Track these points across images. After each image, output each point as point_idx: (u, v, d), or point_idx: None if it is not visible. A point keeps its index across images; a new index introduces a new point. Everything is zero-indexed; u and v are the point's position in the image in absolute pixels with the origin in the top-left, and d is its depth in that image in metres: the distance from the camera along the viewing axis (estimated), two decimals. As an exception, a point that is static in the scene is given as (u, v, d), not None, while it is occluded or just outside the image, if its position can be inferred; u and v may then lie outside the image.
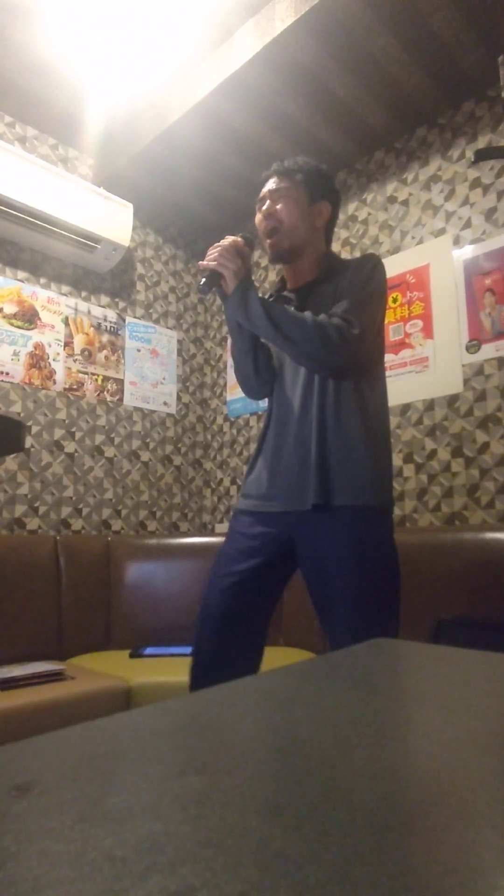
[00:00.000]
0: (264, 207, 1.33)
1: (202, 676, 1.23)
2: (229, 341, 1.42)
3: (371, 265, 1.27)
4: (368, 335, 1.21)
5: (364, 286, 1.24)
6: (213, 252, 1.24)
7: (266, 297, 1.34)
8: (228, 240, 1.26)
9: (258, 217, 1.35)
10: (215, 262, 1.22)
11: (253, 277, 2.98)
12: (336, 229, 2.64)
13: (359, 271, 1.27)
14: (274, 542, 1.25)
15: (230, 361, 2.94)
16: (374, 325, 1.24)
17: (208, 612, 1.26)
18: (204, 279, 1.24)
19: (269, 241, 1.32)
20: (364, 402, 1.23)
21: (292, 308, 1.25)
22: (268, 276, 2.93)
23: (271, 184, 1.34)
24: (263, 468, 1.31)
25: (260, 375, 1.37)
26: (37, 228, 2.41)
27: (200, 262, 1.25)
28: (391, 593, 1.17)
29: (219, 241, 1.27)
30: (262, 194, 1.35)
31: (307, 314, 1.19)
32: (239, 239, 1.27)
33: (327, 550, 1.18)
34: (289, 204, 1.31)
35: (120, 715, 0.38)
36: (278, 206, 1.31)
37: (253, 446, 1.39)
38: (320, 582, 1.20)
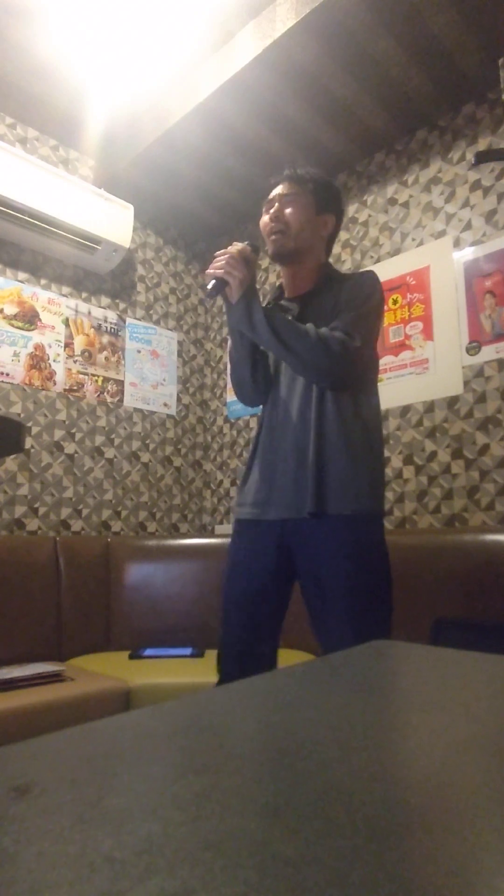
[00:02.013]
0: (272, 210, 1.34)
1: None
2: (229, 343, 1.42)
3: (371, 282, 1.31)
4: (368, 349, 1.26)
5: (365, 302, 1.27)
6: (220, 259, 1.24)
7: (265, 303, 1.34)
8: (236, 247, 1.27)
9: (264, 218, 1.36)
10: (222, 270, 1.23)
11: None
12: (336, 231, 2.66)
13: (359, 287, 1.30)
14: (276, 552, 1.27)
15: (230, 363, 2.94)
16: (372, 339, 1.28)
17: (230, 633, 1.28)
18: (210, 285, 1.25)
19: (272, 238, 1.33)
20: (361, 412, 1.26)
21: (291, 318, 1.26)
22: (268, 278, 2.94)
23: (281, 188, 1.35)
24: (259, 476, 1.32)
25: (256, 383, 1.38)
26: (37, 230, 2.41)
27: (207, 270, 1.26)
28: (385, 596, 1.20)
29: (225, 248, 1.27)
30: (271, 197, 1.36)
31: (310, 326, 1.21)
32: (246, 247, 1.28)
33: (323, 556, 1.20)
34: (297, 209, 1.32)
35: (119, 716, 0.38)
36: (286, 210, 1.32)
37: (253, 448, 1.40)
38: (316, 587, 1.21)
